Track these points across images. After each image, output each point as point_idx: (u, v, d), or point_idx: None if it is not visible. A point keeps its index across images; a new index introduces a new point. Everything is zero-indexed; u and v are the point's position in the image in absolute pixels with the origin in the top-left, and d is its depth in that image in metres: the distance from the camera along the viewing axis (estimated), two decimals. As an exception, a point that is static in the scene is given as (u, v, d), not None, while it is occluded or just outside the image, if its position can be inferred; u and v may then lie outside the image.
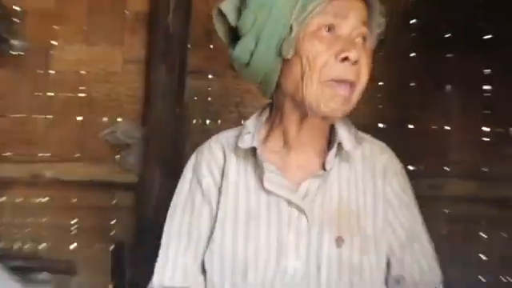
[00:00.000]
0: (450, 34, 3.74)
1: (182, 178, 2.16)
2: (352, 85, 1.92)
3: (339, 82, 1.90)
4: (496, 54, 3.68)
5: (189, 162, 2.16)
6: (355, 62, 1.90)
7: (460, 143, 3.73)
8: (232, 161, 2.09)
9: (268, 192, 1.99)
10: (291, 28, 1.92)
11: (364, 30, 1.94)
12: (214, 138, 2.17)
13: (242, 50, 2.00)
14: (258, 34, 1.97)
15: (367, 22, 1.97)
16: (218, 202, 2.05)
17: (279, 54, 1.95)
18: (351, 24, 1.93)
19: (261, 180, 2.01)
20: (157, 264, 2.07)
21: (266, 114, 2.14)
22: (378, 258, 2.00)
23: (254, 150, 2.04)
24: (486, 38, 3.72)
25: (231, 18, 2.04)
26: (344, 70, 1.89)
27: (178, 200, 2.13)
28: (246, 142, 2.04)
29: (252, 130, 2.08)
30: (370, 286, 1.98)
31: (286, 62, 1.97)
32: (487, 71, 3.71)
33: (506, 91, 3.67)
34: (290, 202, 1.98)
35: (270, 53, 1.97)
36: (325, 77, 1.90)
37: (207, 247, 2.02)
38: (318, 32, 1.92)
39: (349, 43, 1.91)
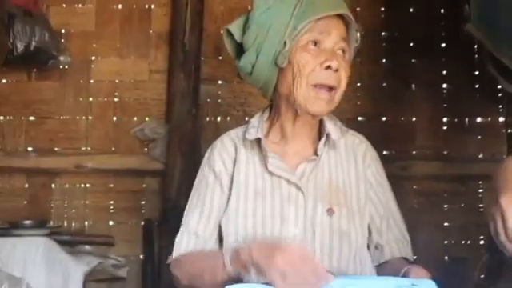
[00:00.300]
0: (414, 44, 3.87)
1: (200, 168, 2.30)
2: (333, 89, 2.07)
3: (321, 86, 2.06)
4: (451, 59, 3.84)
5: (205, 155, 2.30)
6: (336, 70, 2.06)
7: (424, 131, 3.85)
8: (242, 151, 2.22)
9: (271, 174, 2.15)
10: (285, 43, 2.08)
11: (344, 44, 2.12)
12: (225, 134, 2.31)
13: (245, 62, 2.16)
14: (259, 48, 2.13)
15: (346, 39, 2.14)
16: (231, 186, 2.17)
17: (275, 64, 2.11)
18: (333, 40, 2.10)
19: (265, 165, 2.15)
20: (177, 237, 2.20)
21: (266, 113, 2.28)
22: (362, 227, 2.14)
23: (258, 141, 2.19)
24: (443, 46, 3.86)
25: (237, 36, 2.20)
26: (327, 77, 2.06)
27: (197, 185, 2.26)
28: (252, 134, 2.19)
29: (256, 125, 2.22)
30: (355, 249, 2.10)
31: (281, 70, 2.12)
32: (444, 73, 3.86)
33: (460, 89, 3.84)
34: (289, 182, 2.12)
35: (268, 63, 2.12)
36: (311, 81, 2.07)
37: (220, 218, 2.15)
38: (306, 46, 2.09)
39: (331, 55, 2.08)
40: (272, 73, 2.15)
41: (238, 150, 2.24)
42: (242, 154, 2.23)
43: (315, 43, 2.10)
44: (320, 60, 2.08)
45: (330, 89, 2.08)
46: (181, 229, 2.21)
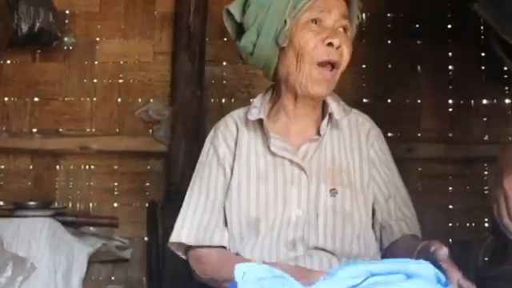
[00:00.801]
0: (419, 25, 3.88)
1: (202, 149, 2.29)
2: (335, 66, 2.09)
3: (325, 64, 2.07)
4: (458, 41, 3.85)
5: (208, 136, 2.30)
6: (338, 47, 2.07)
7: (429, 114, 3.87)
8: (244, 132, 2.22)
9: (274, 155, 2.14)
10: (285, 22, 2.08)
11: (345, 22, 2.12)
12: (228, 115, 2.30)
13: (246, 42, 2.16)
14: (259, 28, 2.12)
15: (348, 16, 2.14)
16: (233, 168, 2.17)
17: (276, 43, 2.11)
18: (334, 18, 2.10)
19: (267, 145, 2.15)
20: (176, 223, 2.18)
21: (269, 94, 2.27)
22: (366, 207, 2.14)
23: (260, 122, 2.18)
24: (449, 27, 3.87)
25: (237, 16, 2.19)
26: (330, 53, 2.06)
27: (199, 167, 2.25)
28: (254, 114, 2.18)
29: (258, 106, 2.21)
30: (358, 230, 2.10)
31: (282, 50, 2.13)
32: (450, 54, 3.86)
33: (466, 71, 3.85)
34: (292, 162, 2.12)
35: (268, 43, 2.12)
36: (316, 58, 2.07)
37: (224, 204, 2.16)
38: (306, 24, 2.09)
39: (333, 32, 2.08)
40: (273, 52, 2.15)
41: (240, 132, 2.24)
42: (244, 135, 2.23)
43: (315, 21, 2.09)
44: (321, 37, 2.08)
45: (332, 67, 2.09)
46: (184, 211, 2.19)
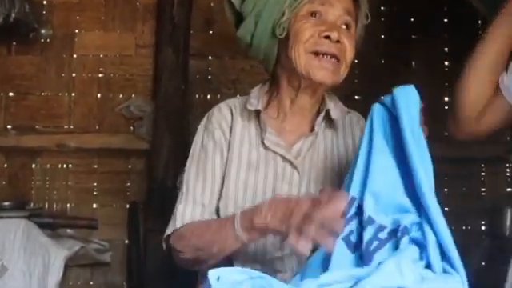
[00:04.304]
0: (414, 19, 3.87)
1: (195, 136, 2.26)
2: (337, 59, 2.05)
3: (324, 54, 2.04)
4: (453, 35, 3.85)
5: (201, 123, 2.27)
6: (337, 42, 2.03)
7: (424, 112, 3.83)
8: (238, 121, 2.20)
9: (267, 148, 2.14)
10: (284, 13, 2.07)
11: (348, 18, 2.09)
12: (222, 103, 2.28)
13: (244, 31, 2.16)
14: (257, 17, 2.12)
15: (353, 12, 2.13)
16: (228, 152, 2.17)
17: (274, 34, 2.10)
18: (336, 12, 2.08)
19: (261, 138, 2.15)
20: (176, 211, 2.16)
21: (266, 87, 2.25)
22: None
23: (257, 113, 2.18)
24: (445, 21, 3.86)
25: (237, 4, 2.18)
26: (326, 45, 2.03)
27: (194, 153, 2.23)
28: (253, 104, 2.16)
29: (257, 97, 2.20)
30: None
31: (282, 41, 2.11)
32: (446, 49, 3.86)
33: (462, 67, 3.78)
34: (284, 158, 2.13)
35: (266, 33, 2.12)
36: (309, 48, 2.04)
37: (222, 189, 2.16)
38: (305, 16, 2.07)
39: (332, 26, 2.05)
40: (272, 44, 2.15)
41: (235, 119, 2.22)
42: (239, 123, 2.21)
43: (315, 14, 2.08)
44: (319, 29, 2.05)
45: (335, 58, 2.06)
46: (182, 198, 2.19)
